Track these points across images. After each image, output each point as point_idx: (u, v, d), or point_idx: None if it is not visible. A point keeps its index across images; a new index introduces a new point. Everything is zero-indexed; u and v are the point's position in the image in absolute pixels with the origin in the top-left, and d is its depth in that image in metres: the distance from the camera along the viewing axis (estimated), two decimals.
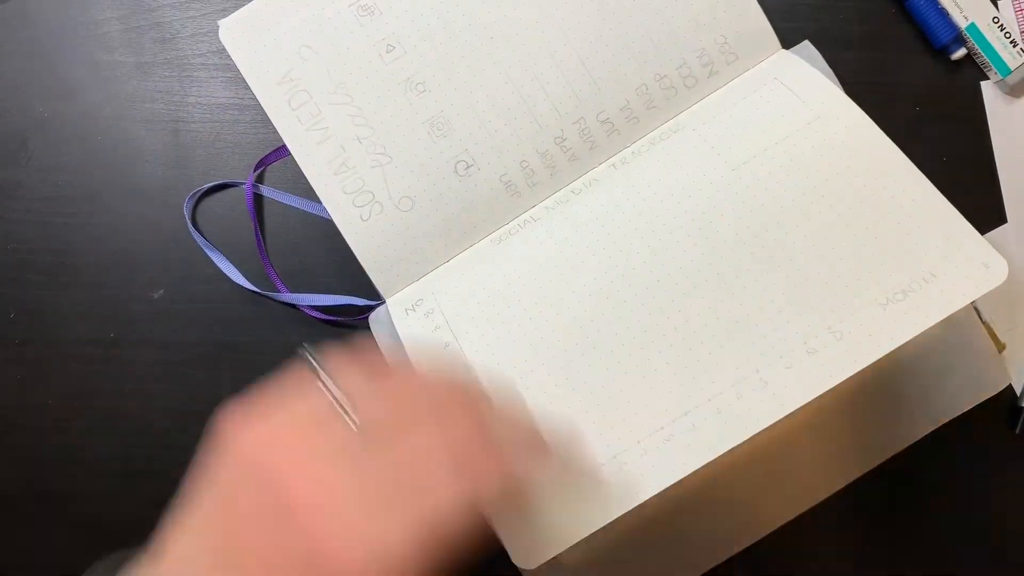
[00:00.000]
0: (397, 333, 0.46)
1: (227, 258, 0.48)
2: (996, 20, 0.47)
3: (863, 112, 0.42)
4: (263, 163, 0.48)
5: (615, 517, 0.38)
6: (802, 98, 0.44)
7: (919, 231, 0.41)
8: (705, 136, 0.44)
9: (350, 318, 0.48)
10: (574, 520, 0.39)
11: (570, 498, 0.39)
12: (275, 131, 0.45)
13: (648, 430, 0.40)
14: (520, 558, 0.39)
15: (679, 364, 0.41)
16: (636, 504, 0.38)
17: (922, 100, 0.48)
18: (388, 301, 0.46)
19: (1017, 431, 0.48)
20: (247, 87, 0.45)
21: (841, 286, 0.40)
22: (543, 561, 0.39)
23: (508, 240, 0.45)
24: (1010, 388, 0.48)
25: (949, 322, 0.43)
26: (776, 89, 0.44)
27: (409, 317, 0.45)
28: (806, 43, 0.46)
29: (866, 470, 0.45)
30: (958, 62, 0.48)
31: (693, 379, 0.40)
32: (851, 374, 0.38)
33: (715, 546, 0.46)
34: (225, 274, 0.48)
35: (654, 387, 0.41)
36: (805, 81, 0.44)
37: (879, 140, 0.42)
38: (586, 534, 0.38)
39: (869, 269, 0.40)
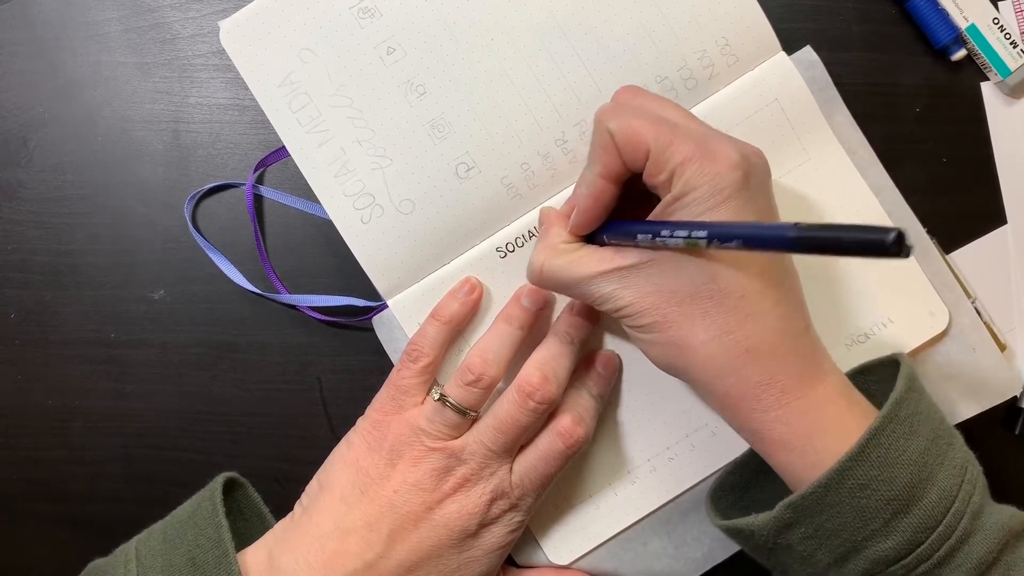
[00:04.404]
0: (400, 335, 0.46)
1: (227, 258, 0.48)
2: (996, 21, 0.47)
3: (850, 160, 0.46)
4: (263, 164, 0.48)
5: (634, 521, 0.46)
6: (798, 133, 0.46)
7: (884, 279, 0.46)
8: None
9: (350, 319, 0.48)
10: (602, 521, 0.46)
11: (598, 504, 0.46)
12: (275, 131, 0.45)
13: (656, 451, 0.46)
14: (555, 554, 0.46)
15: (685, 392, 0.46)
16: (651, 509, 0.46)
17: (922, 101, 0.48)
18: (390, 303, 0.46)
19: (1017, 431, 0.48)
20: (248, 87, 0.45)
21: (816, 327, 0.43)
22: (576, 557, 0.46)
23: (518, 252, 0.45)
24: None
25: (953, 327, 0.45)
26: (775, 116, 0.45)
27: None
28: (807, 48, 0.46)
29: None
30: (958, 63, 0.48)
31: (693, 407, 0.46)
32: None
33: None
34: (225, 274, 0.48)
35: (663, 415, 0.46)
36: (803, 110, 0.45)
37: (860, 188, 0.46)
38: (612, 534, 0.46)
39: (839, 314, 0.46)
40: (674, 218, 0.36)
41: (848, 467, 0.35)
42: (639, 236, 0.37)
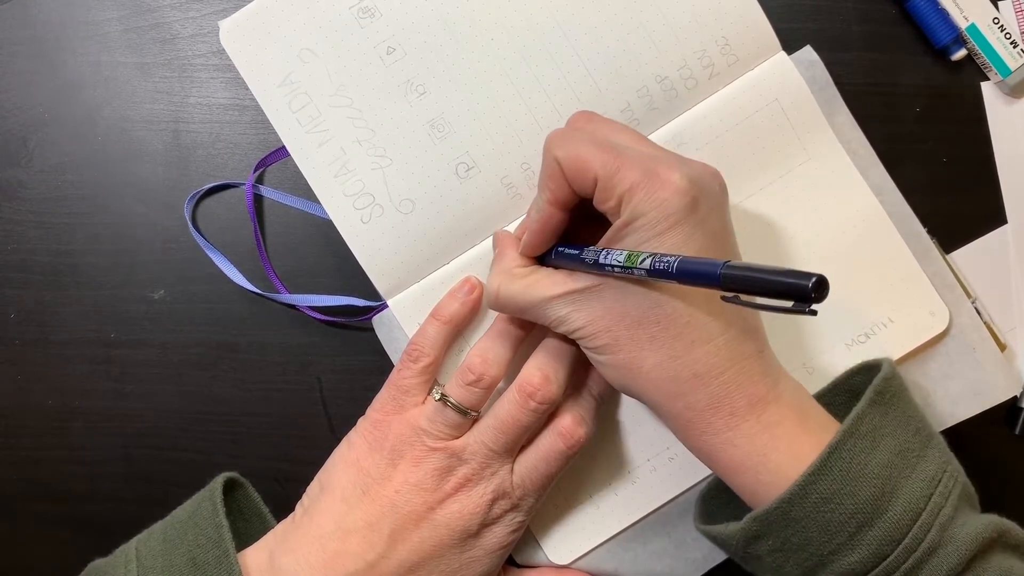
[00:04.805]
0: (400, 335, 0.46)
1: (227, 258, 0.48)
2: (996, 21, 0.47)
3: (850, 161, 0.46)
4: (263, 164, 0.48)
5: (634, 521, 0.46)
6: (798, 133, 0.45)
7: (885, 279, 0.46)
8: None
9: (350, 318, 0.48)
10: (602, 521, 0.46)
11: (598, 504, 0.46)
12: (275, 131, 0.45)
13: (656, 451, 0.46)
14: (555, 554, 0.46)
15: None
16: (651, 509, 0.46)
17: (922, 101, 0.48)
18: (390, 303, 0.46)
19: (1017, 431, 0.48)
20: (248, 88, 0.45)
21: (816, 328, 0.46)
22: (576, 557, 0.46)
23: None
24: None
25: (953, 327, 0.45)
26: (775, 116, 0.45)
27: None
28: (807, 48, 0.46)
29: None
30: (958, 63, 0.48)
31: None
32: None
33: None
34: (225, 274, 0.48)
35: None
36: (803, 110, 0.45)
37: (861, 188, 0.46)
38: (612, 534, 0.46)
39: (839, 314, 0.46)
40: (622, 244, 0.37)
41: (810, 481, 0.35)
42: (583, 263, 0.38)
